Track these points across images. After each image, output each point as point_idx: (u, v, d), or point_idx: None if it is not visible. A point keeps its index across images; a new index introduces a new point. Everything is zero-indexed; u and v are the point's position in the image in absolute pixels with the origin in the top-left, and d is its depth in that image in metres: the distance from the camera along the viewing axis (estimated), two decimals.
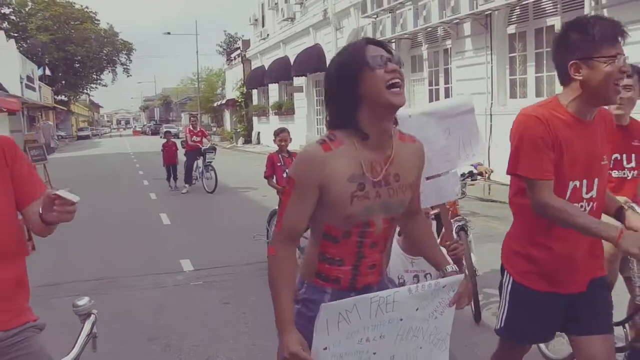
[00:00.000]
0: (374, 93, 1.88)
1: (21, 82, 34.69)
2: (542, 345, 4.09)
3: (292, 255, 2.00)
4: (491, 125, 13.26)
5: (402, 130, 2.12)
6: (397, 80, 1.89)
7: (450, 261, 2.31)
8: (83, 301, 1.80)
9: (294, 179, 1.93)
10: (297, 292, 2.05)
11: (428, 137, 2.51)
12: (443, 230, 5.31)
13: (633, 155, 3.54)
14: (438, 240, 5.21)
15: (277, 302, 1.95)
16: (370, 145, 1.95)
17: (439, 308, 2.06)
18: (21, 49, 44.33)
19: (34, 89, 39.36)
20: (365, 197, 1.94)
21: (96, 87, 66.00)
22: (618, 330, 3.47)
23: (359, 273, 2.03)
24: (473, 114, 2.69)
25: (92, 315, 1.82)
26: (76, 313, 1.81)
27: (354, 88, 1.89)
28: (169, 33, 49.94)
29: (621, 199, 3.29)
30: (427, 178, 2.64)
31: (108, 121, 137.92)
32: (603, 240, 3.19)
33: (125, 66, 62.38)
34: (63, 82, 56.06)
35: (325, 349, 1.86)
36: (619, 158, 3.52)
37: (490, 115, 13.29)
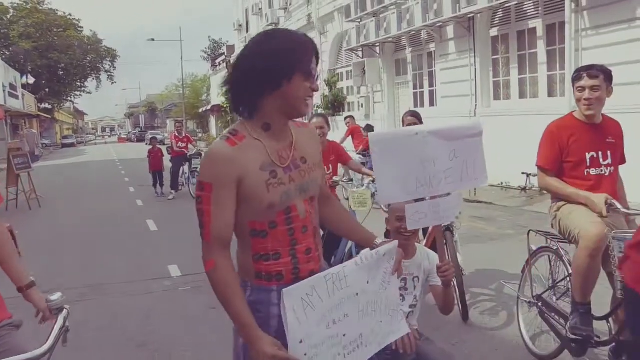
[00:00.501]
0: (293, 96, 1.93)
1: (4, 90, 34.35)
2: (528, 342, 4.15)
3: (230, 261, 1.95)
4: None
5: (404, 150, 2.25)
6: (311, 98, 1.99)
7: (376, 236, 2.32)
8: (55, 296, 1.85)
9: (210, 182, 1.89)
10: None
11: (432, 157, 2.54)
12: (427, 234, 5.38)
13: (608, 152, 3.63)
14: (424, 243, 5.29)
15: (234, 311, 1.90)
16: (272, 135, 1.98)
17: (385, 278, 2.13)
18: (3, 56, 43.99)
19: (17, 97, 38.99)
20: (280, 183, 1.96)
21: (80, 95, 65.42)
22: (603, 325, 3.54)
23: (299, 261, 2.02)
24: (481, 138, 2.70)
25: (65, 309, 1.85)
26: (49, 308, 1.85)
27: (277, 78, 1.90)
28: (153, 39, 49.89)
29: (602, 196, 3.36)
30: (431, 198, 2.66)
31: (93, 129, 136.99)
32: (584, 239, 3.27)
33: (109, 73, 61.94)
34: (47, 89, 55.57)
35: (301, 341, 1.85)
36: (595, 156, 3.61)
37: (475, 116, 13.39)
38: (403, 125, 5.83)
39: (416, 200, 2.65)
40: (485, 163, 2.76)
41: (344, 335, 1.98)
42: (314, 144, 2.16)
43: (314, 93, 1.98)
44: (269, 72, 1.89)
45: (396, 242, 2.22)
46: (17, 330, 2.14)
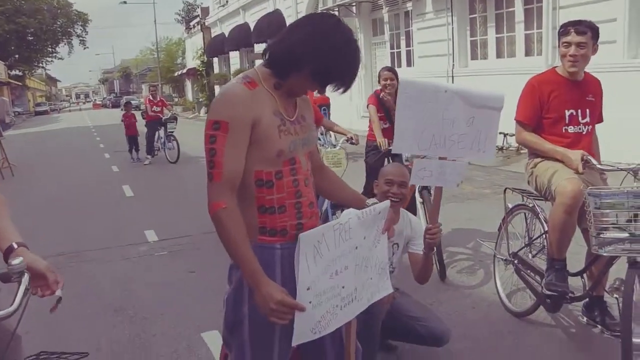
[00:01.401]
0: (313, 84, 2.03)
1: None
2: (505, 299, 4.19)
3: (237, 205, 1.92)
4: None
5: (430, 103, 2.37)
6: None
7: (366, 199, 2.32)
8: (17, 260, 1.79)
9: (226, 122, 1.88)
10: None
11: (453, 118, 2.54)
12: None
13: (587, 110, 3.59)
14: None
15: (242, 256, 1.87)
16: (280, 93, 2.02)
17: (377, 235, 2.14)
18: None
19: None
20: (289, 132, 2.00)
21: (52, 61, 64.15)
22: (576, 281, 3.58)
23: (303, 215, 2.04)
24: (499, 113, 2.67)
25: (26, 273, 1.80)
26: (11, 272, 1.79)
27: (315, 64, 1.93)
28: (125, 2, 48.52)
29: (578, 152, 3.35)
30: (439, 158, 2.64)
31: (67, 95, 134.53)
32: (561, 195, 3.27)
33: (81, 38, 60.57)
34: (16, 56, 54.21)
35: (308, 289, 1.85)
36: (574, 114, 3.57)
37: (452, 77, 13.34)
38: (379, 81, 5.75)
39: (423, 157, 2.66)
40: (496, 140, 2.74)
41: (342, 287, 1.98)
42: (308, 109, 2.21)
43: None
44: (309, 54, 1.92)
45: (388, 202, 2.22)
46: None
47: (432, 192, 5.08)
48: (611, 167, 3.32)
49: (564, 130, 3.57)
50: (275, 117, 1.96)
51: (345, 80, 2.01)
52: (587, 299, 3.49)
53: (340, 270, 1.95)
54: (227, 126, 1.87)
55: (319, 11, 18.75)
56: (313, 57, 1.91)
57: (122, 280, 5.48)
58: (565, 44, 3.47)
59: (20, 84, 54.66)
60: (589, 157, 3.32)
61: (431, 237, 2.79)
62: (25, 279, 1.83)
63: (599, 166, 3.33)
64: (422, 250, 3.04)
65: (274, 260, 1.98)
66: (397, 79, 5.63)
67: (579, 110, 3.57)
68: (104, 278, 5.58)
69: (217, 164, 1.89)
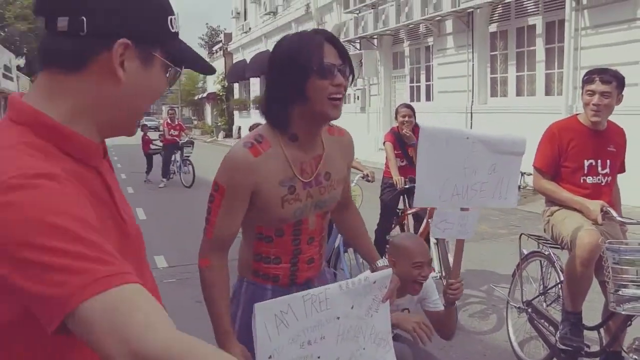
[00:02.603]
0: (314, 100, 1.78)
1: None
2: (517, 348, 4.07)
3: (225, 264, 1.93)
4: (471, 123, 13.26)
5: (452, 151, 2.22)
6: (339, 95, 1.80)
7: (380, 257, 2.25)
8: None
9: (223, 187, 1.84)
10: (238, 290, 2.02)
11: (474, 166, 2.44)
12: (422, 227, 5.30)
13: (608, 161, 3.50)
14: (419, 233, 5.18)
15: (216, 314, 1.89)
16: (299, 146, 1.88)
17: (374, 305, 2.03)
18: None
19: (11, 79, 38.64)
20: (297, 199, 1.89)
21: None
22: (593, 334, 3.46)
23: (298, 269, 2.00)
24: (521, 158, 2.58)
25: None
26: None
27: (295, 89, 1.78)
28: None
29: (597, 202, 3.26)
30: (462, 209, 2.53)
31: None
32: (577, 247, 3.17)
33: None
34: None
35: (270, 357, 1.79)
36: (593, 164, 3.48)
37: (471, 113, 13.30)
38: (396, 118, 5.72)
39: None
40: (517, 185, 2.64)
41: (318, 358, 1.90)
42: (345, 155, 2.08)
43: (341, 88, 1.80)
44: (283, 84, 1.81)
45: (390, 270, 2.09)
46: None
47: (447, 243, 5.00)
48: (631, 220, 3.23)
49: (582, 180, 3.48)
50: (282, 186, 1.86)
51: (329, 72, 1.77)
52: (604, 355, 3.36)
53: (315, 340, 1.87)
54: (224, 191, 1.84)
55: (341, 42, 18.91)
56: (276, 82, 1.83)
57: None
58: (589, 92, 3.39)
59: None
60: (608, 208, 3.23)
61: (453, 292, 2.60)
62: None
63: (618, 218, 3.24)
64: (441, 307, 2.85)
65: (264, 298, 1.93)
66: (415, 115, 5.61)
67: (599, 161, 3.48)
68: None
69: (210, 222, 1.90)
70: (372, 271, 2.18)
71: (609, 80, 3.33)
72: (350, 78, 1.85)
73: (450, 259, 4.91)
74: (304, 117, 1.83)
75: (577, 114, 3.63)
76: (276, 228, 1.93)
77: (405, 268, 2.71)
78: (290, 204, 1.88)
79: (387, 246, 5.79)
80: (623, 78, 3.40)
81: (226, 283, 1.92)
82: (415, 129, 5.70)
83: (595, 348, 3.39)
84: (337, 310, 1.90)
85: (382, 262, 2.22)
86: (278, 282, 1.99)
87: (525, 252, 4.03)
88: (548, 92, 11.69)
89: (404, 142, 5.66)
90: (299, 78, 1.76)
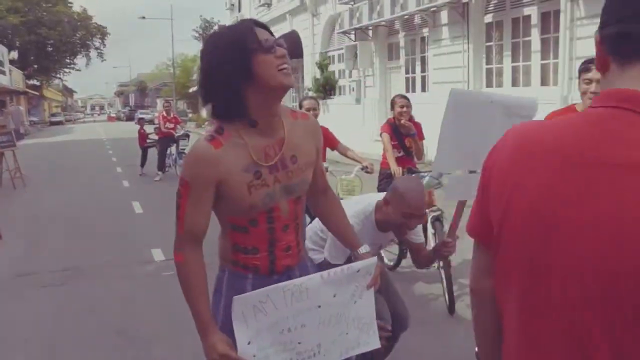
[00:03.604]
0: (265, 76, 1.81)
1: None
2: None
3: (200, 257, 1.95)
4: None
5: (473, 116, 2.21)
6: (286, 65, 1.84)
7: (362, 244, 2.24)
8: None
9: (187, 180, 1.87)
10: (220, 281, 2.05)
11: (491, 130, 2.38)
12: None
13: None
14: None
15: (195, 307, 1.91)
16: (260, 131, 1.90)
17: (357, 292, 2.06)
18: None
19: (4, 73, 38.45)
20: (264, 184, 1.90)
21: (69, 72, 64.90)
22: None
23: (276, 257, 2.01)
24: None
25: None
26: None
27: (242, 72, 1.81)
28: (143, 17, 49.24)
29: None
30: (470, 171, 2.57)
31: (82, 107, 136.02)
32: None
33: (99, 50, 61.31)
34: (35, 66, 54.87)
35: (249, 343, 1.85)
36: None
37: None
38: (392, 108, 5.71)
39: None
40: None
41: (299, 343, 1.96)
42: (312, 139, 2.06)
43: (285, 59, 1.84)
44: (229, 72, 1.81)
45: (375, 259, 2.13)
46: None
47: (444, 223, 5.01)
48: None
49: None
50: (247, 173, 1.88)
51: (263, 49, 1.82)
52: None
53: (295, 328, 1.93)
54: (188, 185, 1.87)
55: (336, 33, 18.87)
56: (223, 71, 1.83)
57: (125, 300, 5.42)
58: (586, 81, 3.40)
59: (37, 93, 55.21)
60: None
61: (447, 250, 2.75)
62: None
63: None
64: (422, 240, 3.12)
65: (245, 286, 1.99)
66: (411, 106, 5.62)
67: None
68: (107, 297, 5.52)
69: (179, 218, 1.92)
70: (354, 258, 2.22)
71: None
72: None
73: None
74: (258, 98, 1.84)
75: (575, 104, 3.64)
76: (249, 218, 1.93)
77: (396, 213, 2.81)
78: (257, 190, 1.89)
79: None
80: None
81: (202, 276, 1.94)
82: (412, 119, 5.71)
83: None
84: (319, 299, 1.95)
85: (364, 249, 2.22)
86: (259, 272, 2.00)
87: None
88: (544, 82, 11.71)
89: (400, 133, 5.65)
90: (244, 59, 1.80)
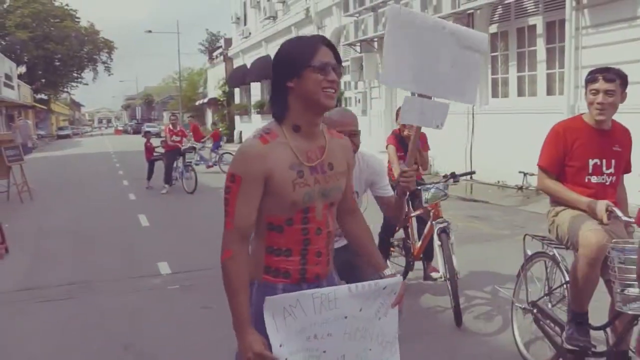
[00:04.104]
0: (309, 91, 1.99)
1: None
2: (523, 350, 4.05)
3: (247, 254, 2.04)
4: (473, 124, 13.24)
5: (420, 37, 2.38)
6: (332, 90, 2.01)
7: (387, 265, 2.34)
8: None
9: (239, 176, 1.98)
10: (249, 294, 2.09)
11: (442, 57, 2.51)
12: (426, 230, 5.28)
13: (613, 161, 3.48)
14: (418, 244, 5.18)
15: (235, 305, 1.98)
16: (302, 136, 2.06)
17: (382, 309, 2.13)
18: None
19: (12, 87, 38.76)
20: (305, 183, 2.03)
21: (77, 86, 65.38)
22: (599, 334, 3.43)
23: (307, 262, 2.09)
24: (481, 57, 2.66)
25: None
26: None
27: (292, 79, 2.00)
28: (150, 31, 49.53)
29: (603, 202, 3.24)
30: (419, 95, 2.63)
31: (89, 120, 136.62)
32: (583, 247, 3.15)
33: (106, 64, 61.75)
34: (43, 80, 55.29)
35: (281, 346, 1.91)
36: (598, 163, 3.46)
37: (473, 114, 13.28)
38: (397, 119, 5.70)
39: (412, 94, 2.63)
40: (477, 86, 2.72)
41: (324, 352, 2.00)
42: (344, 155, 2.21)
43: (334, 84, 2.02)
44: (282, 74, 2.03)
45: (400, 278, 2.22)
46: None
47: (450, 235, 4.98)
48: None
49: (586, 180, 3.46)
50: (292, 170, 2.01)
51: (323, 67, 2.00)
52: (611, 355, 3.34)
53: (322, 336, 1.99)
54: (240, 180, 1.98)
55: (341, 45, 18.93)
56: (276, 74, 2.05)
57: (132, 314, 5.40)
58: (593, 91, 3.38)
59: (45, 107, 55.62)
60: (613, 207, 3.21)
61: (405, 180, 2.69)
62: None
63: (624, 218, 3.21)
64: (390, 192, 3.09)
65: None
66: None
67: (604, 160, 3.46)
68: (114, 311, 5.50)
69: (229, 213, 2.02)
70: (379, 278, 2.26)
71: (613, 79, 3.32)
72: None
73: (454, 260, 4.90)
74: (300, 107, 2.02)
75: (582, 114, 3.61)
76: (287, 217, 2.04)
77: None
78: (300, 187, 2.02)
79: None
80: (626, 76, 3.39)
81: (247, 274, 2.01)
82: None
83: (602, 348, 3.37)
84: (345, 310, 2.01)
85: (388, 271, 2.30)
86: (289, 279, 2.07)
87: (530, 252, 4.01)
88: (550, 91, 11.67)
89: (406, 143, 5.64)
90: (296, 69, 1.99)
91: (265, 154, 1.98)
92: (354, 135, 3.01)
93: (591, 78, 3.40)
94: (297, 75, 1.99)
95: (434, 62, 2.52)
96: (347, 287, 2.05)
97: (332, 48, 2.05)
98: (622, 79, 3.34)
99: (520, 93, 12.49)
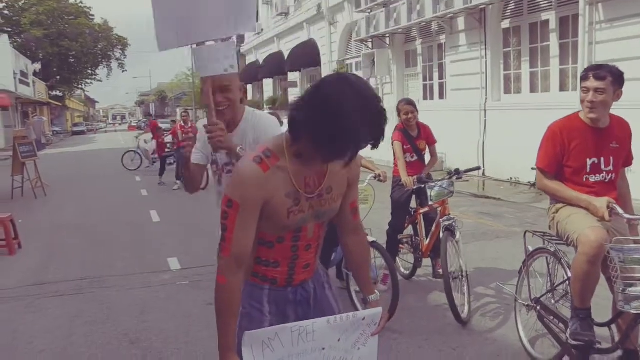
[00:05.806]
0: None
1: (15, 78, 34.47)
2: (528, 347, 4.03)
3: (240, 282, 2.01)
4: (485, 120, 13.18)
5: None
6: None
7: (375, 292, 2.34)
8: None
9: (238, 202, 1.92)
10: None
11: (202, 1, 2.45)
12: (433, 227, 5.27)
13: (611, 158, 3.44)
14: (426, 242, 5.16)
15: (223, 329, 1.99)
16: (303, 162, 1.98)
17: (362, 339, 2.14)
18: (15, 44, 43.98)
19: (27, 84, 39.14)
20: (300, 211, 2.02)
21: (91, 83, 65.80)
22: (604, 331, 3.41)
23: (295, 272, 2.14)
24: None
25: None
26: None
27: (327, 133, 1.78)
28: None
29: (604, 199, 3.22)
30: (197, 44, 2.58)
31: (104, 116, 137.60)
32: (583, 245, 3.13)
33: (120, 61, 62.06)
34: (57, 77, 55.73)
35: None
36: (596, 162, 3.43)
37: (485, 110, 13.21)
38: (399, 115, 5.68)
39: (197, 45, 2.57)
40: (254, 8, 2.58)
41: None
42: (347, 172, 2.12)
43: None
44: (320, 123, 1.78)
45: (380, 309, 2.22)
46: None
47: (456, 232, 4.95)
48: (638, 217, 3.18)
49: (585, 180, 3.43)
50: (288, 199, 1.97)
51: (356, 146, 1.83)
52: (621, 353, 3.30)
53: None
54: (238, 207, 1.92)
55: (353, 41, 18.90)
56: (314, 123, 1.80)
57: (140, 309, 5.45)
58: (584, 89, 3.35)
59: (60, 104, 56.11)
60: (614, 204, 3.18)
61: (210, 136, 2.69)
62: None
63: (625, 215, 3.18)
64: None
65: (262, 297, 2.14)
66: (417, 111, 5.61)
67: (602, 159, 3.42)
68: (123, 306, 5.56)
69: (227, 240, 1.96)
70: (364, 301, 2.33)
71: (603, 77, 3.27)
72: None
73: (462, 260, 4.86)
74: (314, 149, 1.86)
75: (579, 112, 3.56)
76: (277, 235, 2.06)
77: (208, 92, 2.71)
78: (295, 215, 2.01)
79: (400, 246, 5.74)
80: (620, 74, 3.32)
81: (238, 301, 2.01)
82: (419, 123, 5.69)
83: (607, 345, 3.34)
84: (323, 341, 2.04)
85: (374, 297, 2.31)
86: (275, 284, 2.14)
87: (531, 249, 3.97)
88: (563, 87, 11.57)
89: (411, 136, 5.63)
90: (338, 133, 1.76)
91: (264, 182, 1.92)
92: (227, 91, 2.93)
93: (583, 76, 3.38)
94: (334, 135, 1.78)
95: (198, 4, 2.45)
96: (326, 319, 2.06)
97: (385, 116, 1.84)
98: (614, 77, 3.28)
99: (533, 89, 12.39)
